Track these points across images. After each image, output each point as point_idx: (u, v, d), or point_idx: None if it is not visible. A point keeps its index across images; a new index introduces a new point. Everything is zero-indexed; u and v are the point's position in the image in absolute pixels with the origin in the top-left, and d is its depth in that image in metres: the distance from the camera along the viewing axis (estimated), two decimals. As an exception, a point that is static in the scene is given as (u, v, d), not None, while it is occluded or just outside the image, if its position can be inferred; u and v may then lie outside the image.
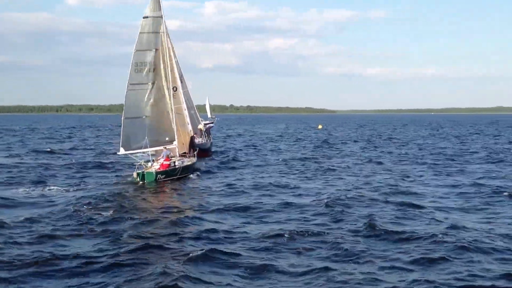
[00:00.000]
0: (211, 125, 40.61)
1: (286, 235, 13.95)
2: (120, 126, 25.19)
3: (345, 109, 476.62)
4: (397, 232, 14.12)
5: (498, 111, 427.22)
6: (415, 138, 63.86)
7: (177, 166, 25.09)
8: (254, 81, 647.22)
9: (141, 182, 23.28)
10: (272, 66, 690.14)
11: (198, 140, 33.77)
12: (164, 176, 24.03)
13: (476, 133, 76.18)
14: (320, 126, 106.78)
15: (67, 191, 21.36)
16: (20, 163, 31.66)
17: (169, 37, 32.20)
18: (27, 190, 21.38)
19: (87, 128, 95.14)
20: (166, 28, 26.81)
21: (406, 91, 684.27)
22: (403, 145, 49.66)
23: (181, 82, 32.60)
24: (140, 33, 25.48)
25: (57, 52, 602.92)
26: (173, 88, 26.70)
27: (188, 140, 28.63)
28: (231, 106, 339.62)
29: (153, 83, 25.59)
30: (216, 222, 15.88)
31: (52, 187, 22.11)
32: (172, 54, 29.46)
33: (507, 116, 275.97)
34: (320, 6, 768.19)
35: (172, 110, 26.05)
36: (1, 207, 17.89)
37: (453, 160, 34.70)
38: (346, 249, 12.48)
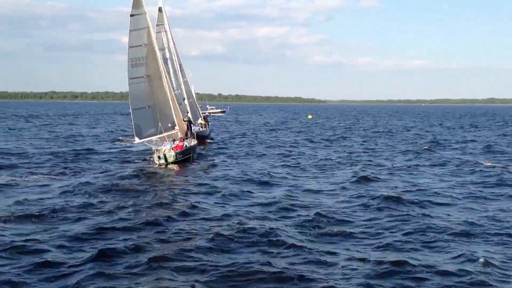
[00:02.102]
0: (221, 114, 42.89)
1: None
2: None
3: (335, 99, 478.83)
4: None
5: (490, 102, 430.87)
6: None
7: (188, 146, 27.46)
8: (242, 70, 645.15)
9: (163, 163, 25.65)
10: (260, 54, 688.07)
11: (197, 128, 35.81)
12: (181, 155, 26.43)
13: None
14: (310, 116, 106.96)
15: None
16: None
17: (167, 35, 34.44)
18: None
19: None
20: (150, 23, 28.58)
21: (396, 82, 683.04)
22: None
23: (181, 71, 34.65)
24: (130, 31, 27.42)
25: (38, 37, 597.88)
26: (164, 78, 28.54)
27: (184, 126, 30.54)
28: (219, 95, 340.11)
29: (148, 76, 27.69)
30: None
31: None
32: (169, 51, 31.61)
33: (498, 108, 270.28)
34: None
35: (169, 99, 28.05)
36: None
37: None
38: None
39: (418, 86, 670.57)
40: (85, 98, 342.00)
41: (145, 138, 27.68)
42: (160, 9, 37.07)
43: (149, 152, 28.81)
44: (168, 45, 38.06)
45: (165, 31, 37.83)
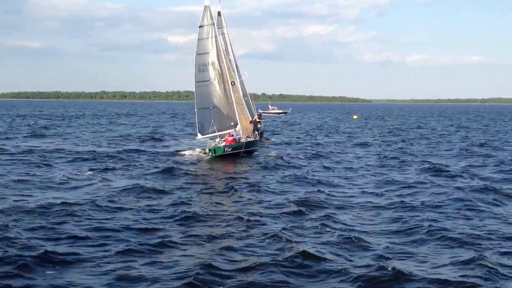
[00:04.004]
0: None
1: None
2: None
3: (380, 99, 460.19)
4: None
5: None
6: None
7: (241, 142, 30.65)
8: (287, 69, 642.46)
9: (212, 155, 29.30)
10: (307, 53, 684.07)
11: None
12: (230, 149, 29.68)
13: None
14: (355, 117, 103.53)
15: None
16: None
17: (224, 38, 37.56)
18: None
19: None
20: (217, 33, 32.07)
21: (445, 80, 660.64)
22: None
23: (237, 71, 37.72)
24: (198, 39, 31.23)
25: (93, 38, 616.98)
26: (231, 83, 31.95)
27: (250, 126, 33.51)
28: (263, 94, 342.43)
29: (214, 80, 31.33)
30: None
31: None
32: (227, 53, 34.81)
33: None
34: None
35: (233, 101, 31.47)
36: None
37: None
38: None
39: (470, 84, 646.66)
40: (133, 97, 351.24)
41: (207, 135, 31.34)
42: (219, 13, 39.15)
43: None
44: (227, 47, 41.33)
45: (223, 33, 40.99)
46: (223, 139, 30.71)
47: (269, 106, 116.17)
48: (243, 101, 33.03)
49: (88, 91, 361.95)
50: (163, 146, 37.17)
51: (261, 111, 52.42)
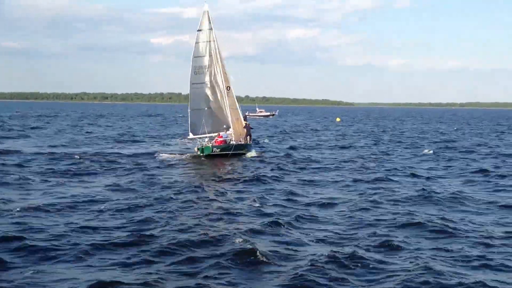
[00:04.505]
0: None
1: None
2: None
3: (363, 102, 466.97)
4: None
5: None
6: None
7: (230, 144, 31.30)
8: (270, 72, 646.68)
9: (201, 154, 30.25)
10: (290, 56, 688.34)
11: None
12: (218, 150, 30.57)
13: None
14: (338, 119, 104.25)
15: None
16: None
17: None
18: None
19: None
20: (216, 37, 33.10)
21: (427, 84, 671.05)
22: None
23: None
24: (196, 43, 32.21)
25: (74, 39, 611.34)
26: (226, 88, 32.97)
27: (243, 131, 33.79)
28: (247, 97, 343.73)
29: (208, 82, 32.35)
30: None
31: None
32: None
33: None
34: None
35: (227, 105, 32.41)
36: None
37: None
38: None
39: (450, 88, 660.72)
40: (114, 99, 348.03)
41: (198, 135, 32.28)
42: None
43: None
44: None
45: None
46: (213, 140, 31.76)
47: (256, 109, 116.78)
48: (237, 105, 34.00)
49: (68, 92, 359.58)
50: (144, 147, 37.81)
51: (247, 114, 53.63)
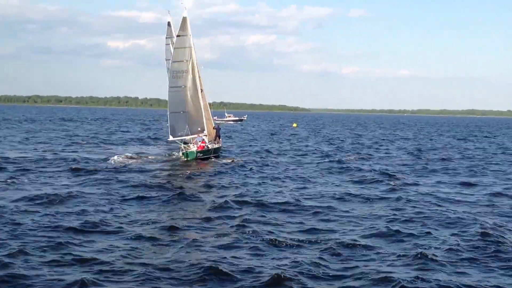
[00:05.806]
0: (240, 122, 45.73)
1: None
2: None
3: (318, 108, 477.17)
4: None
5: (470, 114, 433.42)
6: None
7: (210, 148, 33.42)
8: (228, 77, 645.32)
9: (185, 159, 31.77)
10: (248, 62, 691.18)
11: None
12: (202, 154, 32.42)
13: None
14: (294, 125, 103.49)
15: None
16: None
17: (172, 43, 38.90)
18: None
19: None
20: (192, 43, 34.52)
21: (380, 91, 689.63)
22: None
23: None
24: (175, 48, 33.59)
25: (25, 41, 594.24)
26: (200, 90, 34.51)
27: (213, 131, 36.04)
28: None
29: (185, 86, 33.75)
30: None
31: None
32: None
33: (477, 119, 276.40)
34: (300, 2, 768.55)
35: (201, 107, 34.06)
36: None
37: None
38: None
39: (402, 96, 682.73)
40: (69, 102, 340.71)
41: (177, 137, 33.72)
42: (169, 24, 38.56)
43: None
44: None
45: (172, 43, 39.70)
46: (196, 145, 33.20)
47: (225, 114, 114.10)
48: (209, 107, 35.64)
49: (20, 94, 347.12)
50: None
51: (215, 118, 54.14)
